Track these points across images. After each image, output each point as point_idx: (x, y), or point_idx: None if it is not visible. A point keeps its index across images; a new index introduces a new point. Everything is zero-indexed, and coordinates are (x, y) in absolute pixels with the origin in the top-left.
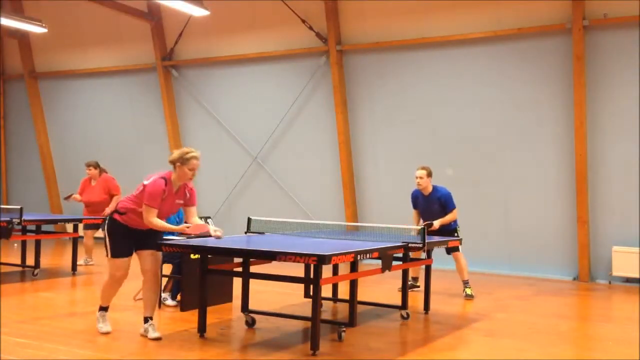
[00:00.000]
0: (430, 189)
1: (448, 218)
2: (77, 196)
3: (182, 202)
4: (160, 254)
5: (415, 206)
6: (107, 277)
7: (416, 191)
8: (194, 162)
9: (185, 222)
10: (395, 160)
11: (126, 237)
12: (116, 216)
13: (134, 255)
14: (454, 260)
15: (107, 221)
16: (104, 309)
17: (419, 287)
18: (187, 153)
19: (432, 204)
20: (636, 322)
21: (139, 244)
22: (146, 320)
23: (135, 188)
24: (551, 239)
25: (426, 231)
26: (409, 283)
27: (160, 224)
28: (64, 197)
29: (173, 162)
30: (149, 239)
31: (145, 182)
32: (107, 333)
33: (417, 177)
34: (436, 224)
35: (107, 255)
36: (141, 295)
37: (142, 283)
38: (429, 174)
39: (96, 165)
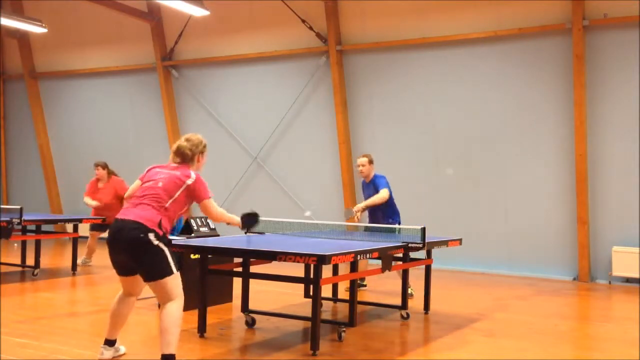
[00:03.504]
0: (372, 176)
1: (375, 198)
2: (90, 201)
3: None
4: None
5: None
6: (176, 303)
7: (363, 180)
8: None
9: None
10: (395, 160)
11: None
12: (160, 231)
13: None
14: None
15: (157, 237)
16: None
17: (365, 286)
18: (202, 141)
19: (371, 191)
20: (636, 322)
21: None
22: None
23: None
24: (551, 239)
25: (352, 215)
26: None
27: (228, 215)
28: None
29: (195, 152)
30: None
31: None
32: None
33: (358, 165)
34: (360, 206)
35: (167, 275)
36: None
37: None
38: (371, 162)
39: (104, 166)
